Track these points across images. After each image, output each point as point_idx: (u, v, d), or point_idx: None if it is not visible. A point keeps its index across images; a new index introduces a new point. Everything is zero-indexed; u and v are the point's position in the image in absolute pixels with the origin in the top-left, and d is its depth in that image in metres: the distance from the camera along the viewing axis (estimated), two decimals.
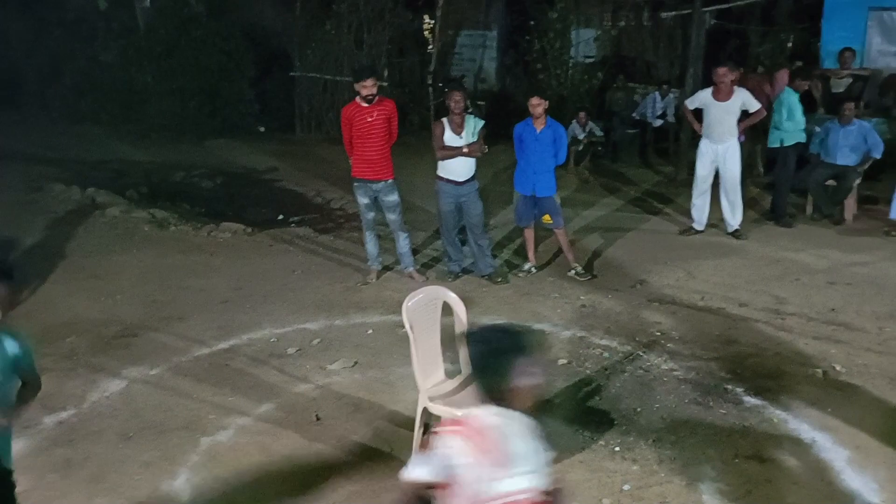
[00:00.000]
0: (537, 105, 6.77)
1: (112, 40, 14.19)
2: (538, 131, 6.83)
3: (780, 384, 5.08)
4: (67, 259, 7.40)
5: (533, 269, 7.17)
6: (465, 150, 6.61)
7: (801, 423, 4.60)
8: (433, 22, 13.99)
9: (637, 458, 4.30)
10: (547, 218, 7.08)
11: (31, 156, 11.20)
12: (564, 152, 7.01)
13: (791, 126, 8.46)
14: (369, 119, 6.60)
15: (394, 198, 6.80)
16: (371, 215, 6.88)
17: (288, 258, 7.64)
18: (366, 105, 6.59)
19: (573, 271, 7.07)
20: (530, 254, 7.22)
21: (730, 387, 5.06)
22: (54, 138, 12.62)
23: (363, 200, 6.82)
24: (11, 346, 2.99)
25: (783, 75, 10.03)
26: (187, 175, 11.10)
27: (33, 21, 15.05)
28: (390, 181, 6.77)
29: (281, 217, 9.24)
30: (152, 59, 13.77)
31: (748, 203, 8.67)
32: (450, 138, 6.66)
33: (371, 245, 6.97)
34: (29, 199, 9.10)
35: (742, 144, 8.18)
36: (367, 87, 6.50)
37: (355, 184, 6.82)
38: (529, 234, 7.17)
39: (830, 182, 8.67)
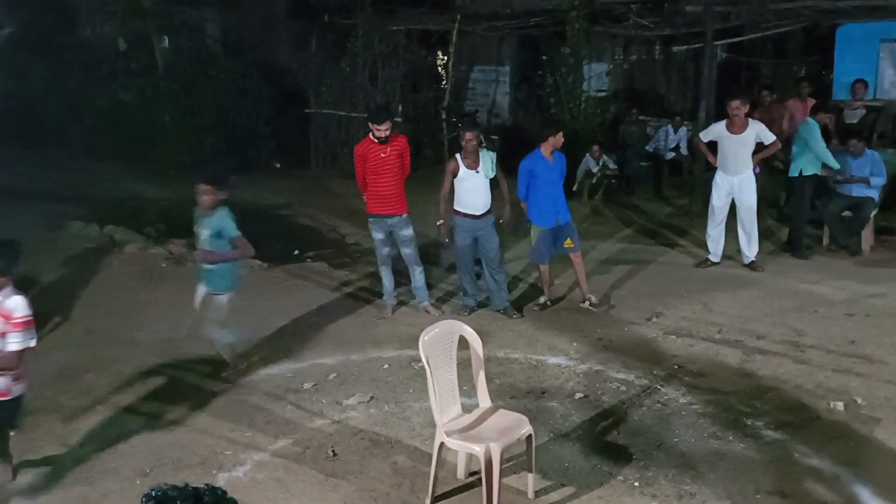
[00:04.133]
0: (560, 140, 6.89)
1: (131, 80, 14.43)
2: (551, 163, 6.90)
3: (801, 418, 5.02)
4: (85, 296, 7.47)
5: (548, 304, 7.16)
6: (439, 222, 6.91)
7: (824, 458, 4.54)
8: (446, 58, 14.17)
9: (657, 494, 4.25)
10: (569, 242, 7.04)
11: (51, 194, 11.35)
12: (563, 178, 7.14)
13: (810, 157, 8.43)
14: (382, 155, 6.70)
15: (408, 232, 6.85)
16: (386, 250, 6.92)
17: (304, 293, 7.67)
18: (379, 142, 6.70)
19: (587, 302, 7.06)
20: (546, 288, 7.21)
21: (749, 421, 5.00)
22: (74, 176, 12.78)
23: (378, 235, 6.87)
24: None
25: (796, 104, 10.05)
26: None
27: (54, 62, 15.36)
28: (405, 215, 6.84)
29: (297, 252, 9.29)
30: (170, 97, 13.99)
31: (764, 234, 8.64)
32: (465, 174, 6.72)
33: (387, 280, 7.01)
34: (49, 237, 9.20)
35: (757, 176, 8.17)
36: (381, 130, 6.62)
37: (370, 219, 6.88)
38: (546, 269, 7.17)
39: (846, 213, 8.64)
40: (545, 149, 6.89)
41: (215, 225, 5.57)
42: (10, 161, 14.16)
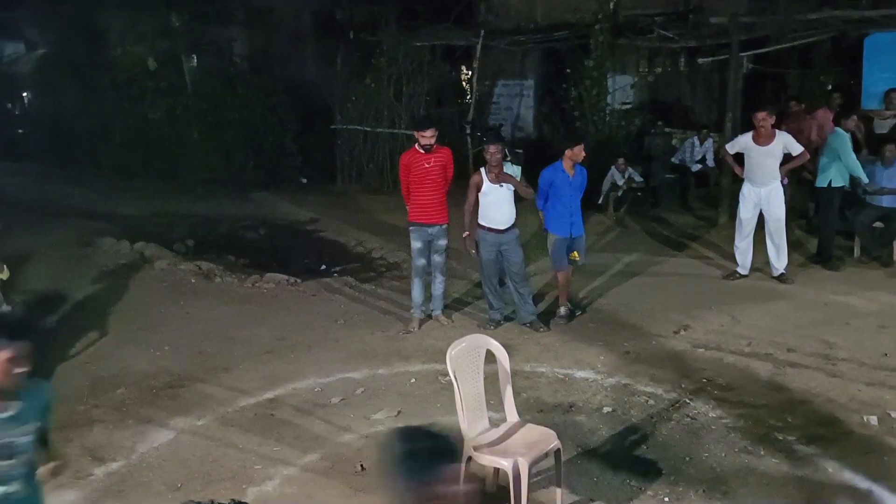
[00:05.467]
0: (580, 152, 6.91)
1: (160, 98, 14.68)
2: (571, 177, 6.93)
3: (834, 432, 4.95)
4: (117, 311, 7.57)
5: (575, 312, 7.14)
6: (465, 234, 6.90)
7: (857, 473, 4.46)
8: (470, 73, 14.23)
9: None
10: (575, 255, 7.10)
11: (83, 211, 11.56)
12: (583, 191, 7.17)
13: (840, 167, 8.35)
14: (426, 165, 6.85)
15: (445, 241, 7.03)
16: (422, 262, 7.00)
17: (331, 308, 7.72)
18: (423, 152, 6.81)
19: (557, 314, 7.15)
20: (563, 298, 7.20)
21: (781, 435, 4.94)
22: (105, 194, 13.01)
23: (417, 245, 6.97)
24: (43, 395, 3.08)
25: (825, 114, 9.94)
26: (232, 227, 11.33)
27: (86, 81, 15.68)
28: (444, 225, 6.99)
29: (323, 267, 9.36)
30: (199, 115, 14.22)
31: (793, 246, 8.55)
32: (489, 188, 6.75)
33: (417, 293, 7.05)
34: (80, 254, 9.36)
35: (785, 187, 8.10)
36: (427, 137, 6.82)
37: (411, 227, 7.01)
38: (564, 276, 7.18)
39: (878, 224, 8.52)
40: (565, 162, 6.91)
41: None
42: (43, 178, 14.47)
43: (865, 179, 8.39)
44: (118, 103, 15.03)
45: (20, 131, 18.96)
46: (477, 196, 6.80)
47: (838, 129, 8.59)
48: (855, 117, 8.77)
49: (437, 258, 7.04)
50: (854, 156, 8.34)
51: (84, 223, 10.74)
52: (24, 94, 19.76)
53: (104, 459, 4.87)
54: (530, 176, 7.13)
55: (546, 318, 7.10)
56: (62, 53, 16.55)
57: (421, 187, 6.89)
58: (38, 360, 2.95)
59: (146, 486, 4.58)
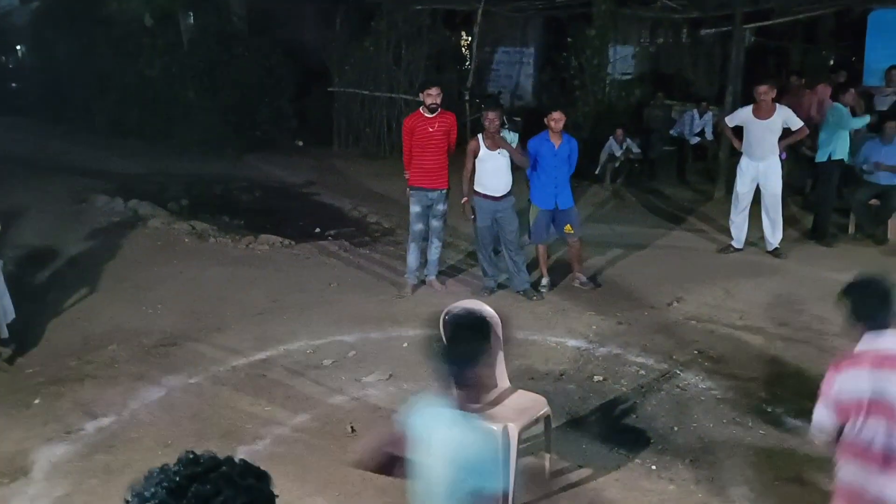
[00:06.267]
0: (559, 120, 6.84)
1: (156, 57, 14.48)
2: (556, 147, 6.86)
3: None
4: (110, 269, 7.55)
5: (547, 285, 7.15)
6: (463, 200, 6.85)
7: None
8: (470, 39, 14.08)
9: (674, 478, 4.25)
10: (569, 228, 7.06)
11: (77, 168, 11.48)
12: (575, 164, 7.07)
13: (837, 142, 8.33)
14: (430, 129, 6.80)
15: (444, 207, 7.02)
16: (420, 227, 6.97)
17: (324, 271, 7.71)
18: (428, 116, 6.80)
19: (577, 281, 7.18)
20: (544, 269, 7.21)
21: (770, 407, 4.98)
22: (99, 151, 12.91)
23: (416, 209, 6.94)
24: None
25: (825, 89, 9.89)
26: (227, 188, 11.27)
27: (81, 37, 15.46)
28: (444, 190, 6.97)
29: (318, 230, 9.33)
30: (195, 74, 14.04)
31: (788, 221, 8.54)
32: (486, 154, 6.70)
33: (412, 258, 7.05)
34: (74, 211, 9.31)
35: (783, 162, 8.07)
36: (432, 95, 6.77)
37: (411, 191, 6.98)
38: (543, 250, 7.19)
39: (874, 201, 8.52)
40: (551, 131, 6.85)
41: None
42: (37, 135, 14.34)
43: (865, 121, 8.51)
44: (114, 59, 14.84)
45: (13, 85, 18.75)
46: (474, 163, 6.76)
47: (837, 103, 8.55)
48: (853, 91, 8.73)
49: (436, 223, 7.03)
50: (853, 119, 8.35)
51: (78, 180, 10.67)
52: (18, 48, 19.51)
53: (95, 415, 4.88)
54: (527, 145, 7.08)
55: (539, 287, 7.11)
56: (57, 6, 16.30)
57: (424, 152, 6.85)
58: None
59: (136, 442, 4.60)
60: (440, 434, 2.49)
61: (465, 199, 6.88)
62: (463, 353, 2.53)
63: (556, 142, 6.87)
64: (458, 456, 2.45)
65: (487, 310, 4.37)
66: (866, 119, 8.60)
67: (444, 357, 2.56)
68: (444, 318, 2.66)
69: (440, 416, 2.51)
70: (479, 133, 6.84)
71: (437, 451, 2.48)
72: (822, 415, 2.99)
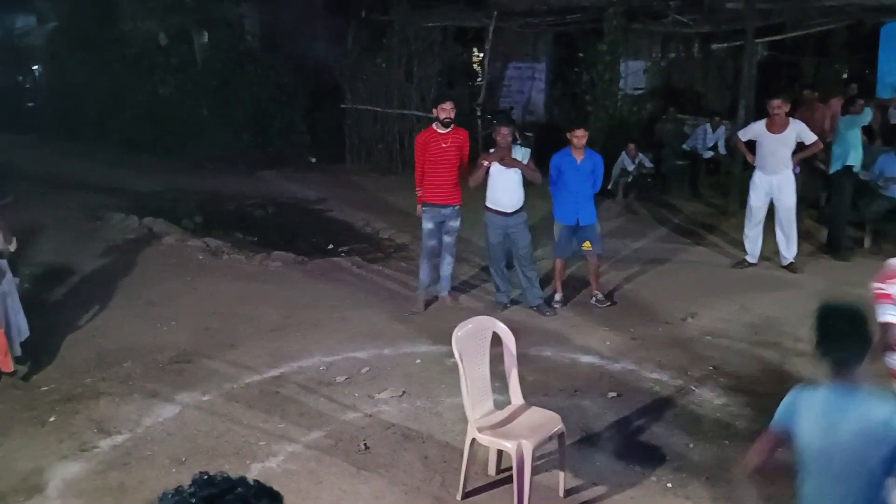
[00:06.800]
0: (582, 137, 6.83)
1: (170, 74, 14.65)
2: (578, 162, 6.86)
3: None
4: (124, 286, 7.59)
5: (561, 301, 7.14)
6: (485, 163, 6.69)
7: None
8: (482, 54, 14.13)
9: (690, 496, 4.21)
10: (587, 245, 7.05)
11: (92, 186, 11.58)
12: (601, 181, 7.07)
13: (850, 152, 8.30)
14: (444, 145, 6.83)
15: (457, 223, 7.00)
16: (432, 243, 6.98)
17: (337, 287, 7.71)
18: (441, 131, 6.82)
19: (594, 299, 7.12)
20: (559, 284, 7.19)
21: None
22: (114, 169, 13.02)
23: (428, 225, 6.94)
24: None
25: (838, 103, 9.86)
26: (240, 205, 11.33)
27: (96, 56, 15.64)
28: (457, 207, 6.96)
29: (331, 247, 9.35)
30: (208, 92, 14.18)
31: (803, 236, 8.49)
32: (497, 170, 6.70)
33: (425, 273, 7.05)
34: (89, 228, 9.38)
35: (797, 176, 8.04)
36: (446, 110, 6.80)
37: (424, 208, 6.97)
38: (560, 265, 7.17)
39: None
40: (573, 147, 6.86)
41: None
42: (52, 152, 14.48)
43: (869, 117, 8.52)
44: (128, 78, 15.00)
45: (30, 104, 18.97)
46: (486, 175, 6.74)
47: (846, 116, 8.54)
48: (861, 102, 8.71)
49: (448, 238, 7.03)
50: (859, 117, 8.32)
51: (93, 197, 10.76)
52: (35, 68, 19.75)
53: (110, 432, 4.89)
54: (539, 160, 7.08)
55: (552, 302, 7.09)
56: (73, 27, 16.50)
57: (436, 168, 6.85)
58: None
59: (151, 459, 4.60)
60: (836, 416, 2.65)
61: (485, 161, 6.70)
62: (850, 345, 2.68)
63: (579, 157, 6.88)
64: (861, 428, 2.59)
65: (500, 325, 4.37)
66: (868, 115, 8.52)
67: (833, 346, 2.71)
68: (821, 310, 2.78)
69: (828, 400, 2.69)
70: (490, 149, 6.86)
71: (836, 432, 2.62)
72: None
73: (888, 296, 3.78)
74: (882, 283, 3.89)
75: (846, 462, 2.60)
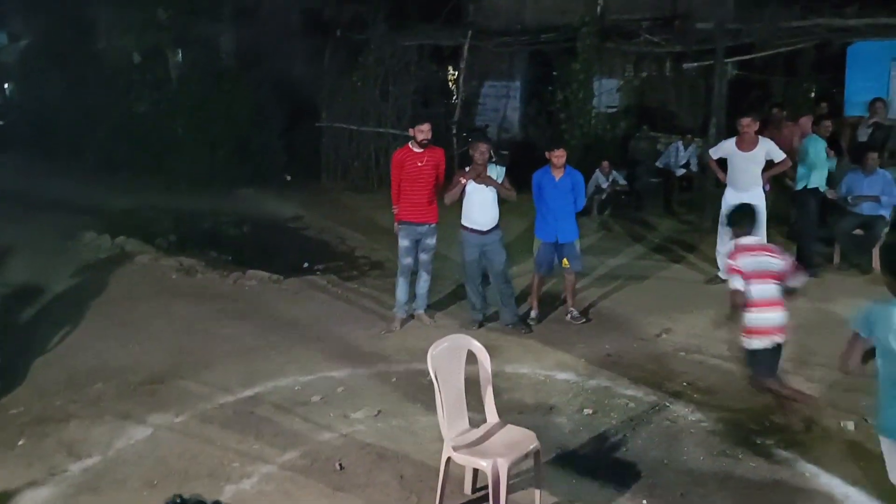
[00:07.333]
0: (561, 156, 6.90)
1: (146, 92, 14.58)
2: (557, 179, 6.92)
3: (811, 437, 4.98)
4: (96, 306, 7.51)
5: (537, 318, 7.18)
6: (462, 180, 6.74)
7: (833, 478, 4.50)
8: (457, 73, 14.23)
9: None
10: (566, 262, 7.10)
11: (65, 204, 11.45)
12: (583, 199, 7.15)
13: (814, 172, 8.45)
14: (419, 164, 6.86)
15: (433, 241, 7.03)
16: (408, 261, 6.98)
17: (313, 306, 7.69)
18: (417, 150, 6.85)
19: (569, 315, 7.16)
20: (535, 301, 7.24)
21: (759, 439, 4.97)
22: (87, 187, 12.90)
23: (404, 243, 6.96)
24: None
25: (808, 121, 10.03)
26: (215, 223, 11.28)
27: (70, 73, 15.54)
28: (434, 225, 6.99)
29: (306, 265, 9.33)
30: (184, 110, 14.12)
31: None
32: (473, 188, 6.75)
33: (401, 292, 7.04)
34: (61, 247, 9.29)
35: (767, 193, 8.15)
36: (424, 131, 6.84)
37: (400, 226, 6.99)
38: (538, 281, 7.22)
39: (858, 231, 8.60)
40: (552, 166, 6.93)
41: None
42: (25, 170, 14.34)
43: (832, 166, 8.61)
44: (103, 96, 14.91)
45: (1, 122, 18.77)
46: (462, 192, 6.78)
47: (813, 135, 8.69)
48: (828, 124, 8.86)
49: (424, 256, 7.05)
50: (824, 160, 8.45)
51: (66, 216, 10.65)
52: (6, 85, 19.57)
53: (80, 455, 4.82)
54: (515, 178, 7.13)
55: (528, 320, 7.12)
56: (47, 44, 16.40)
57: (413, 186, 6.89)
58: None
59: (122, 482, 4.54)
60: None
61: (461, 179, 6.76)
62: None
63: (558, 175, 6.94)
64: None
65: (475, 343, 4.38)
66: (832, 164, 8.73)
67: None
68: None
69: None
70: (466, 166, 6.90)
71: None
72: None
73: (737, 270, 4.93)
74: (732, 259, 4.99)
75: None
